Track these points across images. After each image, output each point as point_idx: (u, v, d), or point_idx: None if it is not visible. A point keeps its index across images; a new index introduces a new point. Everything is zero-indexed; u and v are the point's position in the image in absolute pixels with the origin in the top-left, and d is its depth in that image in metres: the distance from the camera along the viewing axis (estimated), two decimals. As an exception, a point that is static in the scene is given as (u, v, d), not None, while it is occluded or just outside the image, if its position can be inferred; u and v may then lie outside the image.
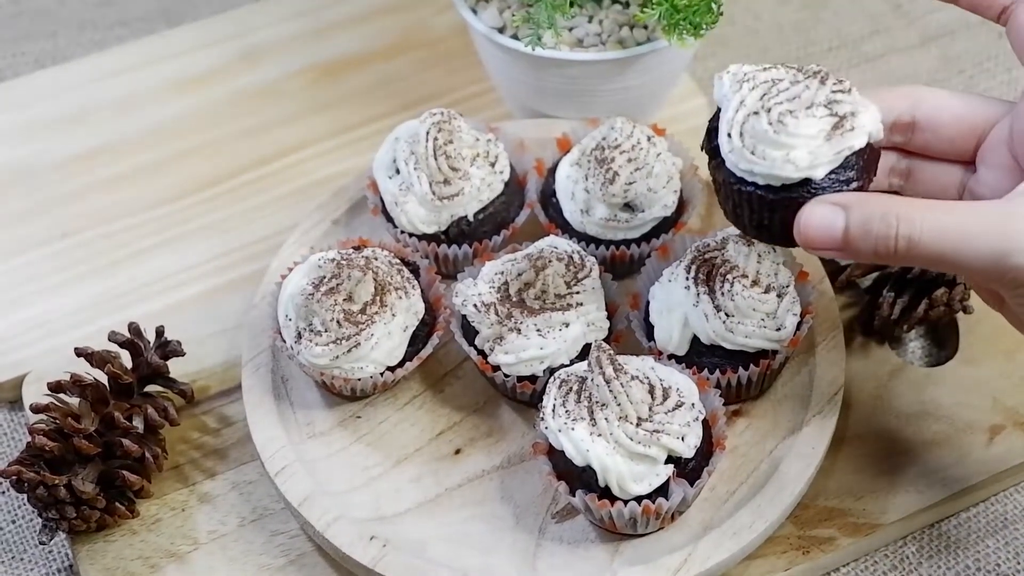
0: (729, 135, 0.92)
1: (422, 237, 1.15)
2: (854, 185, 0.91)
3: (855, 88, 0.93)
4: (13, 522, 1.11)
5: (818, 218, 0.88)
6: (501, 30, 1.22)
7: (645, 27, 1.20)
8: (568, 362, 1.06)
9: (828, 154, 0.90)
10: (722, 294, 1.03)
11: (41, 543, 1.05)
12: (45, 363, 1.16)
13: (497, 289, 1.08)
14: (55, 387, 1.07)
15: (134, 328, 1.11)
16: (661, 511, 0.99)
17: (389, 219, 1.16)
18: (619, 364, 0.98)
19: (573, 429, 0.98)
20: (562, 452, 0.99)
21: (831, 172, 0.90)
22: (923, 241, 0.85)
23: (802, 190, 0.90)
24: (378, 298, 1.07)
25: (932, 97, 0.97)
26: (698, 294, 1.04)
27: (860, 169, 0.91)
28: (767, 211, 0.92)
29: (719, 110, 0.94)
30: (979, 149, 0.97)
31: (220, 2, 1.50)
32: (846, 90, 0.92)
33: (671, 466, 0.98)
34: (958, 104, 0.96)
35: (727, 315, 1.03)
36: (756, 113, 0.91)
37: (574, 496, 0.99)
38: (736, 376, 1.05)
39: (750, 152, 0.91)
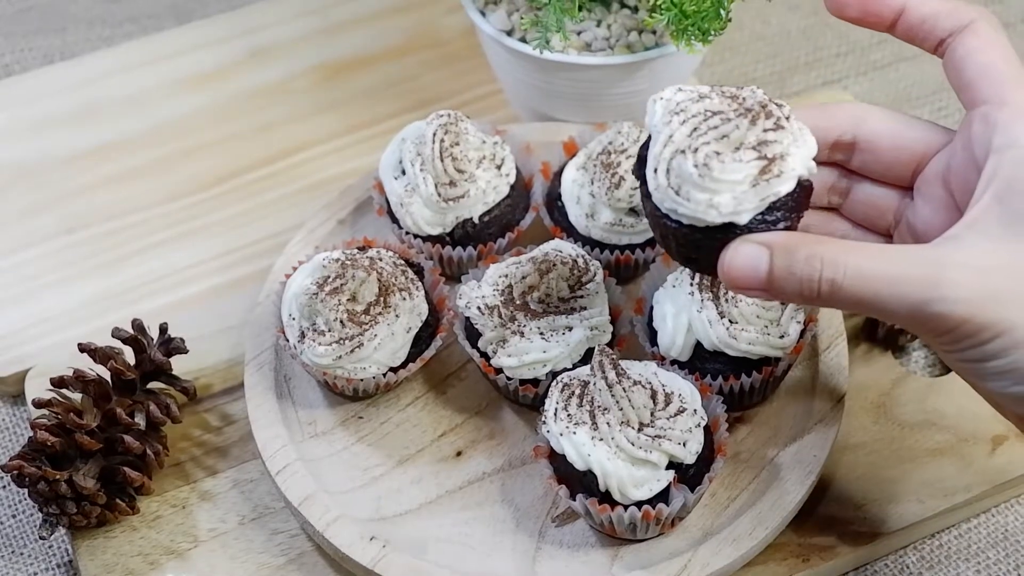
0: (656, 171, 0.88)
1: (427, 238, 1.15)
2: (781, 225, 0.87)
3: (792, 116, 0.89)
4: (13, 516, 1.12)
5: (742, 258, 0.86)
6: (509, 33, 1.22)
7: (653, 32, 1.20)
8: (571, 366, 1.06)
9: (753, 201, 0.86)
10: (726, 300, 1.03)
11: (41, 538, 1.05)
12: (48, 358, 1.16)
13: (501, 292, 1.08)
14: (58, 382, 1.07)
15: (137, 325, 1.11)
16: (661, 516, 0.98)
17: (394, 220, 1.16)
18: (622, 369, 0.98)
19: (575, 433, 0.98)
20: (563, 456, 0.99)
21: (757, 215, 0.87)
22: (845, 285, 0.83)
23: (727, 231, 0.87)
24: (382, 299, 1.07)
25: (874, 119, 0.94)
26: (702, 300, 1.04)
27: (789, 209, 0.88)
28: (692, 247, 0.89)
29: (650, 137, 0.90)
30: (917, 177, 0.95)
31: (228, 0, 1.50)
32: (781, 122, 0.88)
33: (672, 472, 0.98)
34: (898, 129, 0.94)
35: (731, 321, 1.03)
36: (683, 152, 0.87)
37: (574, 500, 0.99)
38: (739, 383, 1.05)
39: (675, 192, 0.87)
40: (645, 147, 0.91)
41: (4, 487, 1.13)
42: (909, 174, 0.95)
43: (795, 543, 1.04)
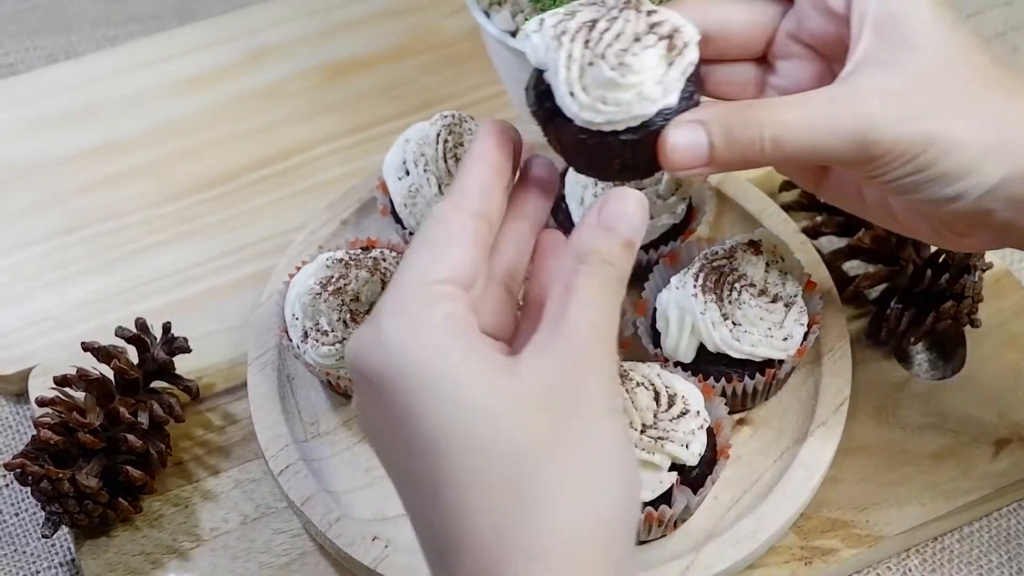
0: (572, 94, 0.87)
1: (430, 239, 1.15)
2: (696, 98, 0.89)
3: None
4: (16, 515, 1.12)
5: (682, 141, 0.87)
6: (513, 34, 1.22)
7: (657, 34, 1.20)
8: (574, 367, 1.05)
9: (676, 77, 0.87)
10: (729, 303, 1.03)
11: (44, 536, 1.05)
12: (52, 357, 1.16)
13: (505, 292, 1.08)
14: (61, 381, 1.07)
15: (141, 324, 1.11)
16: (664, 518, 0.98)
17: (398, 220, 1.16)
18: (625, 370, 0.98)
19: (578, 434, 0.97)
20: (567, 457, 0.98)
21: (680, 93, 0.88)
22: (787, 138, 0.85)
23: (657, 119, 0.88)
24: (385, 299, 1.07)
25: (717, 8, 0.95)
26: (705, 302, 1.04)
27: (696, 82, 0.89)
28: (630, 151, 0.89)
29: (538, 72, 0.89)
30: (770, 46, 0.96)
31: (231, 0, 1.50)
32: (651, 7, 0.89)
33: (675, 473, 0.98)
34: (744, 11, 0.95)
35: (734, 324, 1.03)
36: (591, 64, 0.86)
37: (578, 501, 0.99)
38: (742, 385, 1.05)
39: (601, 103, 0.87)
40: (537, 85, 0.90)
41: (7, 485, 1.13)
42: (762, 47, 0.96)
43: (797, 546, 1.04)
